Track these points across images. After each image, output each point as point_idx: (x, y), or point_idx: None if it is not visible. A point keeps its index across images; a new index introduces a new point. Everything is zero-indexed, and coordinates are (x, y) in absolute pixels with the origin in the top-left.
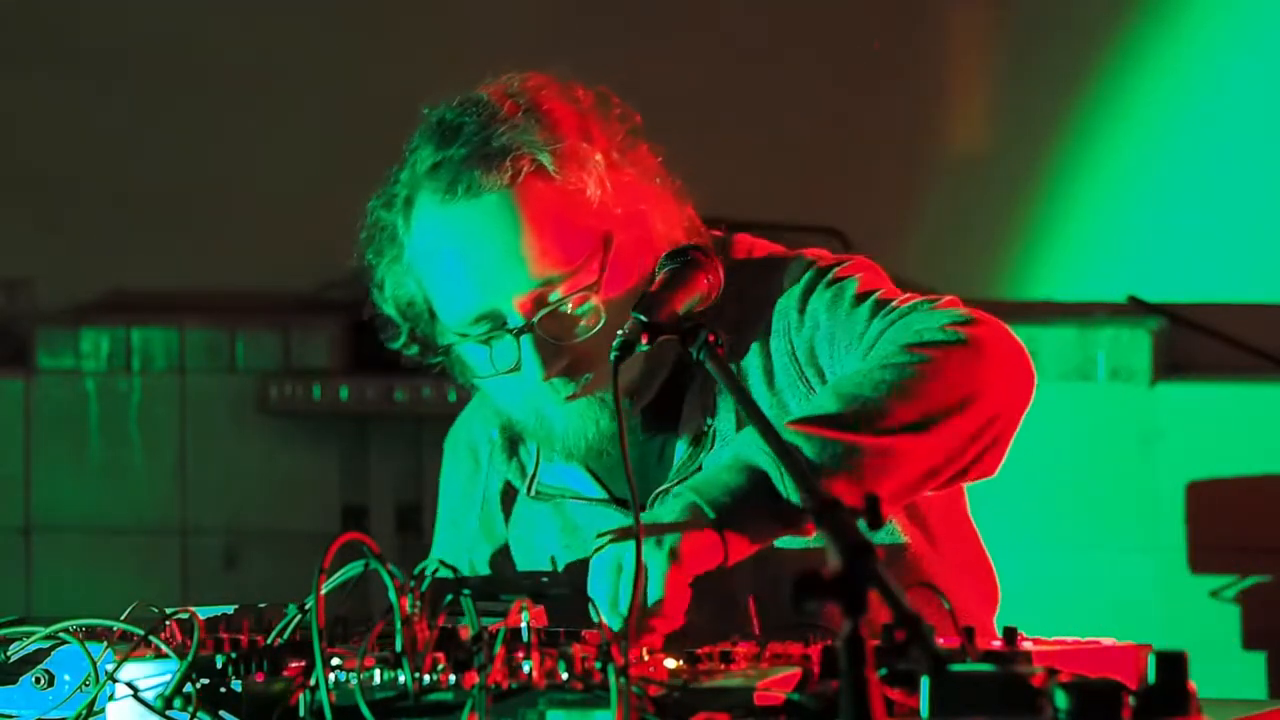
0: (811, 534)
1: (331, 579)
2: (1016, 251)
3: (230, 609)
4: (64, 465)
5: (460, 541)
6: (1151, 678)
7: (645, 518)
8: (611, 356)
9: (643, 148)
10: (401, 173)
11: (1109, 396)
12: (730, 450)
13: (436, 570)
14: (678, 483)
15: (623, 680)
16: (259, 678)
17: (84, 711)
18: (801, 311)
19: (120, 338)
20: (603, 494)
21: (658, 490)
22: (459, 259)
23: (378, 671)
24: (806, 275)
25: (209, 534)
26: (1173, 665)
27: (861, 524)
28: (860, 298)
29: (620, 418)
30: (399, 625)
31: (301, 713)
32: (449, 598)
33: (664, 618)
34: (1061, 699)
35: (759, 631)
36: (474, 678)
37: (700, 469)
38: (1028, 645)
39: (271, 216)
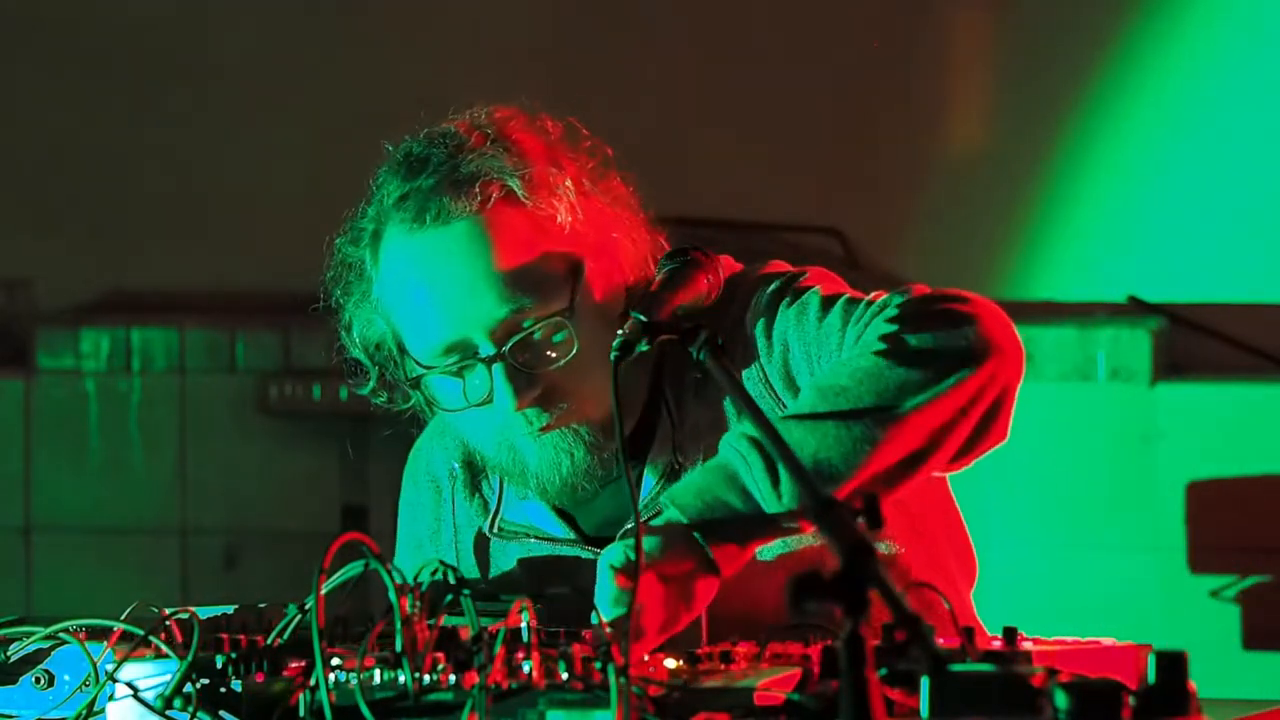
0: (807, 530)
1: (331, 579)
2: (1016, 251)
3: (230, 609)
4: (64, 465)
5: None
6: (1151, 678)
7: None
8: (611, 356)
9: (614, 177)
10: (369, 208)
11: (1109, 396)
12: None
13: (436, 570)
14: (648, 519)
15: (623, 680)
16: (259, 678)
17: (84, 711)
18: (769, 337)
19: (120, 338)
20: (568, 533)
21: (624, 529)
22: (428, 287)
23: (378, 671)
24: (766, 298)
25: (209, 534)
26: (1173, 665)
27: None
28: (826, 306)
29: (619, 418)
30: (399, 625)
31: (301, 713)
32: (449, 598)
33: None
34: (1061, 699)
35: (706, 643)
36: (474, 678)
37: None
38: (1028, 645)
39: (271, 216)
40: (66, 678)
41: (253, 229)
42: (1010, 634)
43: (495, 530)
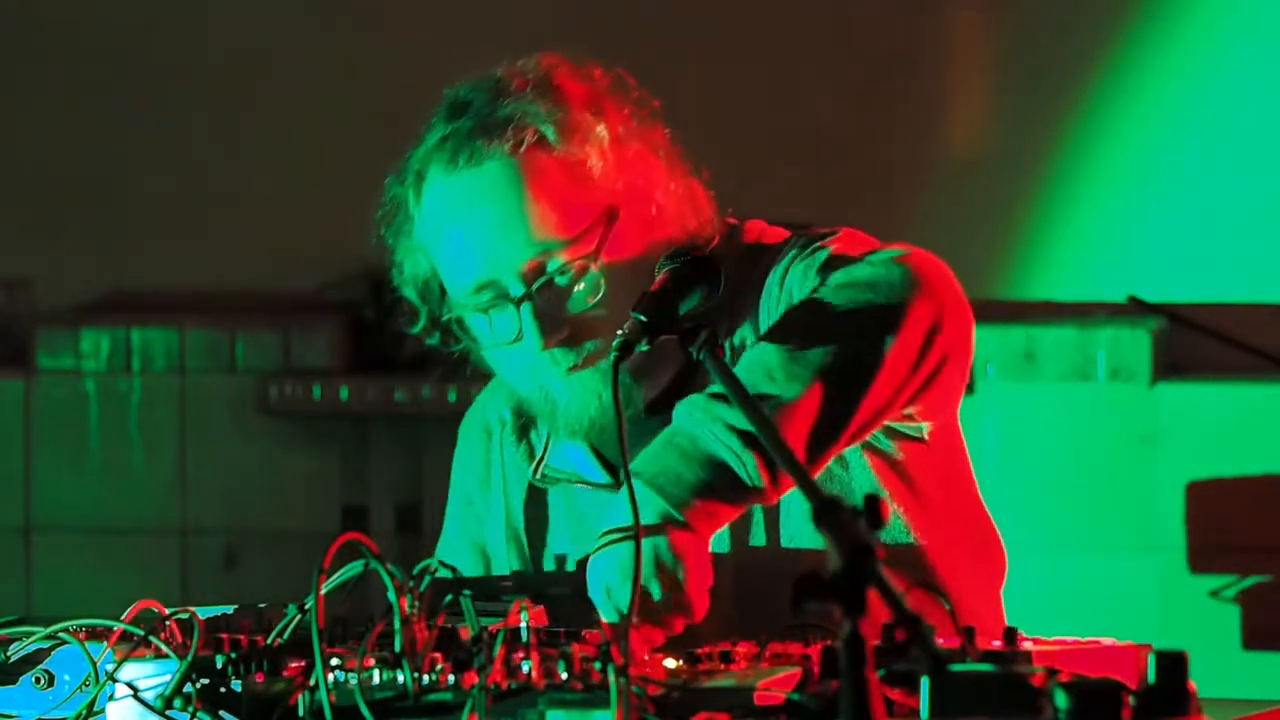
0: (773, 500)
1: (331, 579)
2: (1016, 251)
3: (230, 609)
4: (64, 465)
5: (472, 518)
6: (1151, 678)
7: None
8: (611, 356)
9: (658, 129)
10: (416, 149)
11: (1109, 396)
12: (682, 433)
13: (436, 570)
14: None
15: (623, 680)
16: (259, 678)
17: (84, 711)
18: (781, 289)
19: (120, 338)
20: (608, 479)
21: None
22: (460, 227)
23: (377, 671)
24: (790, 253)
25: (209, 534)
26: (1173, 665)
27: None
28: (826, 264)
29: (619, 418)
30: (398, 625)
31: (301, 713)
32: (449, 598)
33: (688, 604)
34: (1061, 699)
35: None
36: (474, 678)
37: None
38: (1028, 645)
39: (271, 216)
40: (66, 678)
41: (253, 229)
42: (1010, 634)
43: (539, 476)
